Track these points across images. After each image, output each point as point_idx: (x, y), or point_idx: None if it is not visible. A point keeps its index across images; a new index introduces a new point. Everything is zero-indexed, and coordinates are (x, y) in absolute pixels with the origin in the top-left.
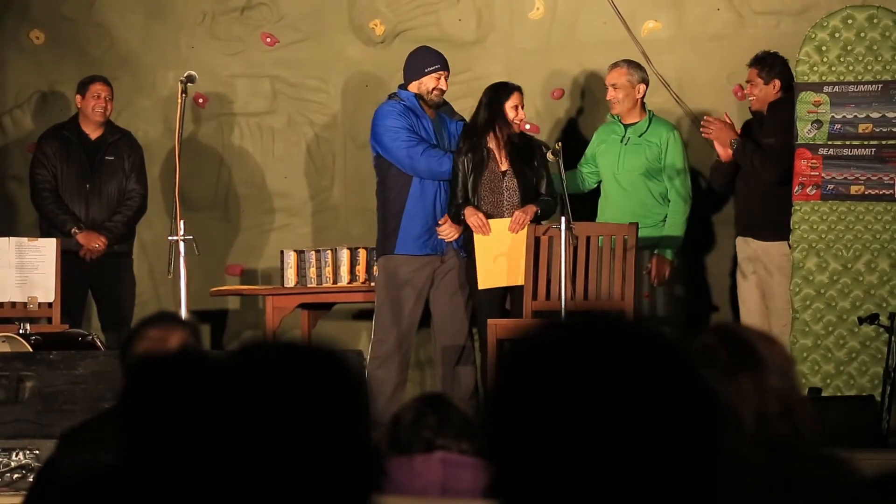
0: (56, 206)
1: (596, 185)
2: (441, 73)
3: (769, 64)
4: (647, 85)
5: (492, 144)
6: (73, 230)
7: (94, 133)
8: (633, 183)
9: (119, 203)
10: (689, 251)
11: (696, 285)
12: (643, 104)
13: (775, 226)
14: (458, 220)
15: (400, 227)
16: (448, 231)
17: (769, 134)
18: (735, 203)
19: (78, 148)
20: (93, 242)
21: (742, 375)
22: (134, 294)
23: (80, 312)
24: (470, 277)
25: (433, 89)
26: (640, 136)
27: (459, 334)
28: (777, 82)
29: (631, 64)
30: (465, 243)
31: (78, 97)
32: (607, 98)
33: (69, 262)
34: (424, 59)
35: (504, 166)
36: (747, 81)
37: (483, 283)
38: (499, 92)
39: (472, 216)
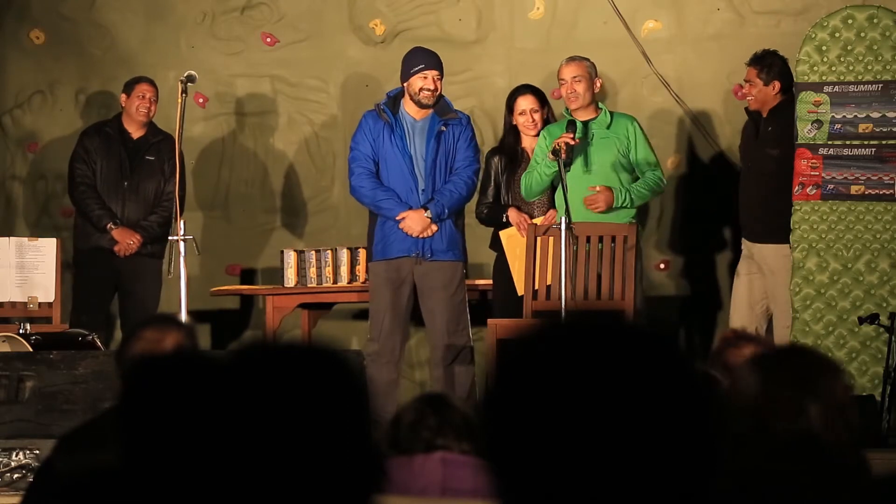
0: (93, 200)
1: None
2: (427, 72)
3: (769, 64)
4: (600, 80)
5: (525, 144)
6: (108, 225)
7: (136, 133)
8: (607, 177)
9: (156, 204)
10: (689, 251)
11: (698, 285)
12: (596, 101)
13: (774, 229)
14: (491, 218)
15: (375, 232)
16: (411, 224)
17: (772, 143)
18: (738, 207)
19: (119, 146)
20: (127, 239)
21: (818, 385)
22: (158, 296)
23: (103, 310)
24: (496, 280)
25: (420, 90)
26: (606, 129)
27: (452, 334)
28: (777, 83)
29: (585, 58)
30: (493, 243)
31: (123, 96)
32: (565, 92)
33: (100, 259)
34: (410, 61)
35: None
36: (746, 80)
37: (521, 289)
38: (510, 97)
39: (516, 216)
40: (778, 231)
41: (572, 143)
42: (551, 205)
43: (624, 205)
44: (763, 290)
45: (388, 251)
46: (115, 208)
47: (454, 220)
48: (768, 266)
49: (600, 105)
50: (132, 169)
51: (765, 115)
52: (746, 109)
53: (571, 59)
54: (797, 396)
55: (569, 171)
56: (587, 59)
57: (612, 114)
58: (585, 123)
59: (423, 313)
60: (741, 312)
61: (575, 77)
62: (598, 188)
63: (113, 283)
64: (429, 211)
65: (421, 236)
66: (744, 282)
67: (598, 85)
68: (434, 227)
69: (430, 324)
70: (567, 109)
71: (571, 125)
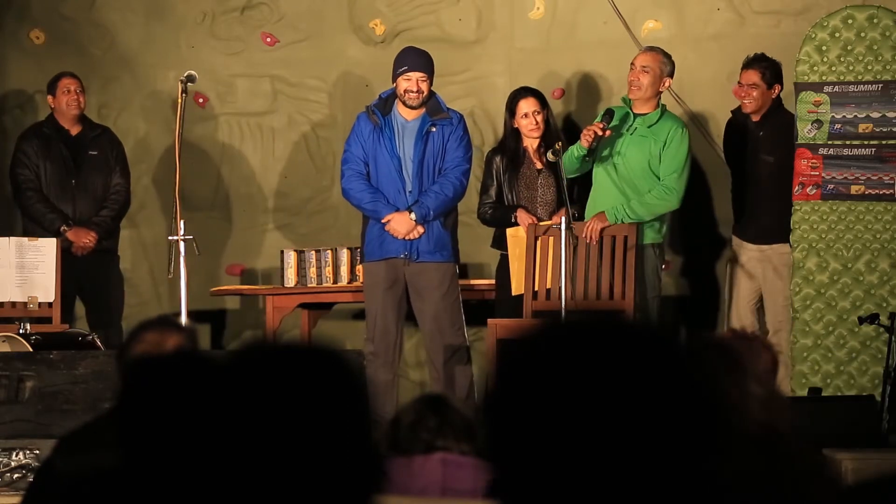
0: (42, 204)
1: (587, 169)
2: (410, 74)
3: (770, 66)
4: (671, 80)
5: (526, 144)
6: (62, 228)
7: (73, 129)
8: (632, 177)
9: (105, 198)
10: (689, 251)
11: (698, 285)
12: (659, 99)
13: (773, 230)
14: (496, 218)
15: (367, 233)
16: (396, 227)
17: (767, 149)
18: (733, 208)
19: (59, 144)
20: (83, 238)
21: (726, 382)
22: (122, 291)
23: (69, 311)
24: (500, 279)
25: (405, 91)
26: (648, 128)
27: (446, 334)
28: (778, 87)
29: (666, 53)
30: (497, 242)
31: (49, 97)
32: (630, 79)
33: None
34: (397, 63)
35: (539, 165)
36: (749, 83)
37: (517, 288)
38: (511, 100)
39: (524, 216)
40: (776, 232)
41: (601, 133)
42: (558, 206)
43: (620, 220)
44: (753, 290)
45: (379, 252)
46: (66, 208)
47: (443, 221)
48: (774, 264)
49: (661, 103)
50: (78, 166)
51: (758, 118)
52: (735, 112)
53: (650, 48)
54: (739, 385)
55: (592, 159)
56: (665, 56)
57: (663, 114)
58: (636, 115)
59: (415, 314)
60: (744, 315)
61: (644, 67)
62: (588, 222)
63: (73, 282)
64: (413, 213)
65: (407, 238)
66: (750, 285)
67: (667, 84)
68: (420, 229)
69: (424, 325)
70: (626, 97)
71: (608, 115)
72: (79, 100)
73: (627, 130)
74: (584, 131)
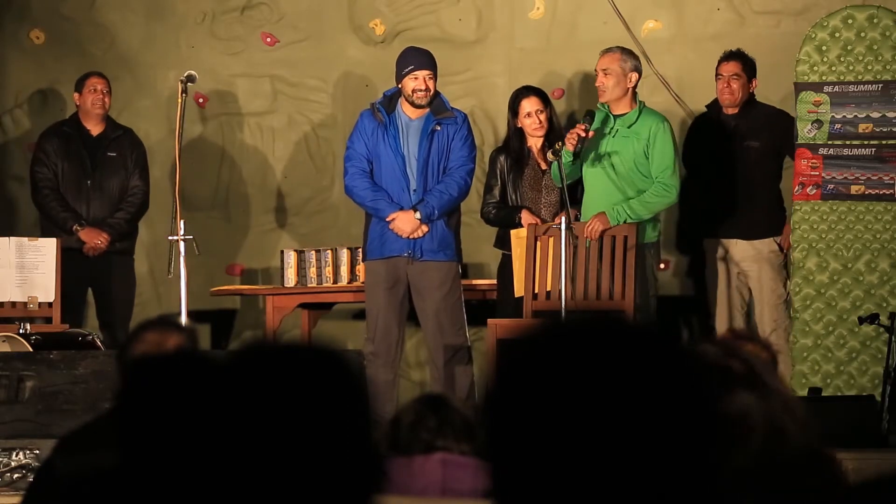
0: (58, 203)
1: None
2: (417, 72)
3: (748, 61)
4: (639, 74)
5: (530, 144)
6: (74, 227)
7: (95, 129)
8: (621, 178)
9: (121, 200)
10: (689, 251)
11: (698, 285)
12: (635, 95)
13: (763, 223)
14: (500, 219)
15: (368, 232)
16: (401, 225)
17: (751, 137)
18: (714, 207)
19: (79, 144)
20: (95, 239)
21: (748, 389)
22: (133, 294)
23: (80, 310)
24: (502, 280)
25: (413, 91)
26: (628, 128)
27: (448, 334)
28: (755, 81)
29: (624, 50)
30: (500, 242)
31: (76, 95)
32: (596, 84)
33: (70, 259)
34: (401, 63)
35: (544, 165)
36: (732, 74)
37: (521, 290)
38: (513, 100)
39: (529, 217)
40: (767, 226)
41: (584, 135)
42: (561, 207)
43: (620, 221)
44: (742, 297)
45: (382, 250)
46: (80, 208)
47: (446, 220)
48: (765, 262)
49: (638, 100)
50: (94, 166)
51: (735, 111)
52: (709, 107)
53: (607, 50)
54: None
55: (577, 162)
56: (624, 52)
57: (641, 112)
58: (616, 117)
59: (417, 313)
60: (738, 315)
61: (605, 70)
62: (589, 222)
63: (85, 282)
64: (418, 212)
65: (411, 237)
66: (739, 284)
67: (634, 79)
68: (424, 228)
69: (426, 324)
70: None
71: (588, 116)
72: (104, 100)
73: (609, 132)
74: (568, 135)
